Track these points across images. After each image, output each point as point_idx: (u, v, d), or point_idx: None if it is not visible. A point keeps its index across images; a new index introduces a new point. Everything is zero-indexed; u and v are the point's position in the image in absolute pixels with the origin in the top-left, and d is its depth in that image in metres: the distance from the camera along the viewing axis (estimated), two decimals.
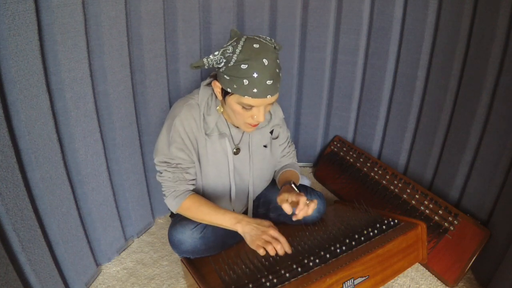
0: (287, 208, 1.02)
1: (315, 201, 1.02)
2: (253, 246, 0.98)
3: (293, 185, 1.12)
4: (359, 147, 1.88)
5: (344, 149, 1.91)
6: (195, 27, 1.50)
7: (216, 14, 1.58)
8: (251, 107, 0.99)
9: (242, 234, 1.02)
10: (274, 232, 0.98)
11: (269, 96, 0.98)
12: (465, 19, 1.32)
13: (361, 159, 1.80)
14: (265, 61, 0.94)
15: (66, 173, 1.12)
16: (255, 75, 0.94)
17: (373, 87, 1.78)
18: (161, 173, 1.13)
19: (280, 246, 0.95)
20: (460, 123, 1.40)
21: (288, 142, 1.32)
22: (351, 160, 1.84)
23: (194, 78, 1.58)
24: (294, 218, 1.00)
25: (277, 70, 0.98)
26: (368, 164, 1.75)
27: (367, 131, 1.87)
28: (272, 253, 0.95)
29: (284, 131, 1.29)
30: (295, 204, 1.01)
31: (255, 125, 1.06)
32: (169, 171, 1.10)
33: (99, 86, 1.20)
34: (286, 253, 1.04)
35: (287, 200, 1.02)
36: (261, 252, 0.95)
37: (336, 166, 1.90)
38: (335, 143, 1.97)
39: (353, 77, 1.83)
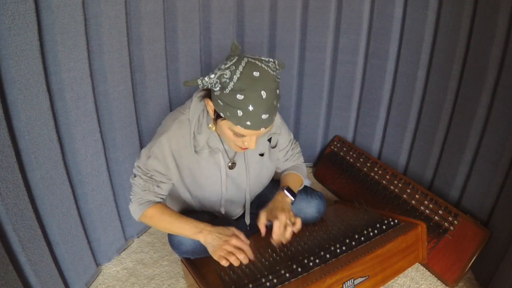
0: (262, 229, 1.02)
1: (298, 220, 1.02)
2: (215, 257, 0.95)
3: (286, 192, 1.12)
4: (359, 147, 1.88)
5: (344, 149, 1.91)
6: (195, 27, 1.51)
7: (216, 14, 1.58)
8: (242, 135, 0.96)
9: (204, 244, 1.00)
10: (236, 241, 0.95)
11: (263, 128, 0.93)
12: (465, 19, 1.32)
13: (361, 159, 1.80)
14: (263, 94, 0.88)
15: (66, 173, 1.12)
16: (250, 108, 0.88)
17: (373, 87, 1.78)
18: (135, 176, 1.10)
19: (243, 255, 0.93)
20: (460, 123, 1.40)
21: (291, 144, 1.28)
22: (351, 160, 1.84)
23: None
24: (272, 242, 1.00)
25: (275, 103, 0.92)
26: (368, 164, 1.75)
27: (367, 131, 1.87)
28: (235, 264, 0.93)
29: (285, 136, 1.24)
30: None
31: (245, 148, 1.02)
32: (142, 179, 1.08)
33: (99, 86, 1.20)
34: (286, 254, 1.05)
35: (264, 221, 1.02)
36: (224, 263, 0.93)
37: (336, 166, 1.90)
38: (335, 143, 1.97)
39: (353, 77, 1.83)
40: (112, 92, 1.23)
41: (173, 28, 1.43)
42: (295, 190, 1.18)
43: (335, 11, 1.74)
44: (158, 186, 1.09)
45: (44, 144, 1.01)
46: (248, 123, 0.90)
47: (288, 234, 1.01)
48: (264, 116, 0.91)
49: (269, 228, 1.03)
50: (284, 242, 1.02)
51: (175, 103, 1.52)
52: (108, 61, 1.18)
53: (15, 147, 0.92)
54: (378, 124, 1.81)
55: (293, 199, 1.12)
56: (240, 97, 0.88)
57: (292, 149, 1.29)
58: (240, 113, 0.89)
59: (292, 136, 1.29)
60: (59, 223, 1.10)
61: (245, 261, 0.93)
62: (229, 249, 0.94)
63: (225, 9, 1.61)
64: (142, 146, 1.43)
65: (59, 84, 1.05)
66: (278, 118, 1.22)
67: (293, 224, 1.03)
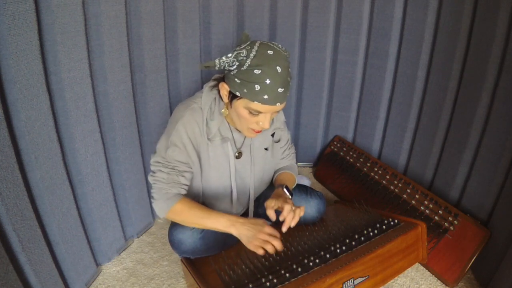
0: (271, 214, 1.03)
1: (302, 208, 1.03)
2: (251, 247, 0.98)
3: (285, 189, 1.12)
4: (359, 147, 1.88)
5: (344, 149, 1.91)
6: (195, 27, 1.51)
7: (216, 14, 1.58)
8: (258, 113, 0.98)
9: (237, 236, 1.02)
10: (270, 229, 0.99)
11: (279, 103, 0.97)
12: (465, 19, 1.32)
13: (361, 159, 1.80)
14: (279, 69, 0.93)
15: (66, 173, 1.12)
16: (267, 81, 0.92)
17: (373, 87, 1.78)
18: (155, 173, 1.08)
19: (278, 242, 0.96)
20: (460, 123, 1.40)
21: (288, 144, 1.32)
22: (351, 160, 1.84)
23: (194, 78, 1.58)
24: (282, 229, 1.00)
25: (288, 79, 0.97)
26: (368, 164, 1.75)
27: (367, 131, 1.87)
28: (271, 251, 0.95)
29: (285, 134, 1.29)
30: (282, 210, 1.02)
31: (258, 131, 1.05)
32: (164, 172, 1.07)
33: (99, 86, 1.20)
34: (286, 254, 1.05)
35: (273, 206, 1.03)
36: (261, 252, 0.96)
37: (336, 166, 1.90)
38: (335, 143, 1.97)
39: (353, 77, 1.83)
40: (112, 92, 1.23)
41: (173, 28, 1.43)
42: (291, 188, 1.20)
43: (335, 11, 1.74)
44: (182, 176, 1.09)
45: (44, 144, 1.01)
46: (265, 96, 0.94)
47: (296, 219, 1.02)
48: (280, 90, 0.95)
49: (275, 222, 1.05)
50: (292, 225, 1.02)
51: (175, 103, 1.52)
52: (108, 61, 1.18)
53: (15, 147, 0.92)
54: (378, 124, 1.81)
55: (290, 197, 1.13)
56: (257, 71, 0.93)
57: (289, 148, 1.33)
58: (257, 87, 0.93)
59: (289, 136, 1.33)
60: (59, 223, 1.10)
61: (279, 247, 0.96)
62: (264, 237, 0.97)
63: (225, 9, 1.61)
64: (142, 146, 1.44)
65: (59, 84, 1.05)
66: (282, 115, 1.26)
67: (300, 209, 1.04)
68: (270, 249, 0.95)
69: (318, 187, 1.92)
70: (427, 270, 1.36)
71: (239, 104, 0.99)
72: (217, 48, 1.64)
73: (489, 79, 1.25)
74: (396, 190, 1.58)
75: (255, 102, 0.95)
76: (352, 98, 1.88)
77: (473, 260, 1.26)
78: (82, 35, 1.06)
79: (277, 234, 0.98)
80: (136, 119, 1.37)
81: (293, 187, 1.28)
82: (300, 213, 1.02)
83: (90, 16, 1.10)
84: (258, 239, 0.97)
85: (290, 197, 1.12)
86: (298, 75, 1.91)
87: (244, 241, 1.00)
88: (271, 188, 1.30)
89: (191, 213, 1.06)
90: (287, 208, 1.01)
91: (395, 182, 1.60)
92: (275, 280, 0.93)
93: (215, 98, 1.09)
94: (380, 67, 1.71)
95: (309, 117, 1.99)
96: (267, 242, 0.96)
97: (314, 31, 1.79)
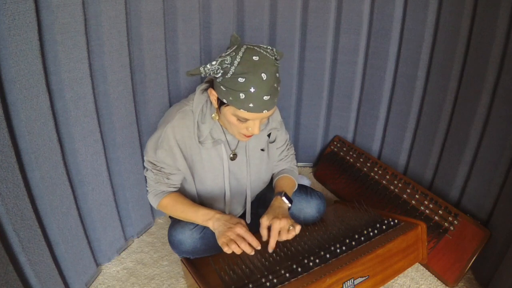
0: (263, 233, 1.02)
1: (298, 227, 1.01)
2: (219, 243, 0.97)
3: (284, 198, 1.12)
4: (359, 147, 1.88)
5: (344, 149, 1.91)
6: (195, 27, 1.51)
7: (216, 14, 1.58)
8: (246, 120, 0.98)
9: (213, 231, 1.03)
10: (240, 230, 0.96)
11: (265, 111, 0.96)
12: (465, 19, 1.32)
13: (361, 159, 1.80)
14: (264, 76, 0.91)
15: (66, 173, 1.12)
16: (252, 89, 0.91)
17: (373, 87, 1.78)
18: (147, 170, 1.15)
19: (244, 244, 0.94)
20: (460, 123, 1.40)
21: (287, 145, 1.30)
22: (351, 160, 1.84)
23: (194, 78, 1.58)
24: (269, 250, 1.00)
25: (275, 85, 0.95)
26: (368, 164, 1.75)
27: (367, 131, 1.87)
28: (237, 251, 0.94)
29: (283, 134, 1.27)
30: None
31: (249, 136, 1.05)
32: (153, 172, 1.12)
33: (99, 86, 1.20)
34: (286, 254, 1.05)
35: (266, 225, 1.02)
36: (226, 250, 0.94)
37: (336, 166, 1.90)
38: (335, 143, 1.97)
39: (353, 77, 1.83)
40: (112, 92, 1.23)
41: (173, 28, 1.43)
42: (290, 195, 1.19)
43: (335, 11, 1.74)
44: (168, 178, 1.13)
45: (44, 144, 1.01)
46: (251, 105, 0.93)
47: (290, 237, 1.01)
48: (265, 98, 0.93)
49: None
50: (284, 239, 1.02)
51: (175, 103, 1.52)
52: (108, 61, 1.18)
53: (15, 147, 0.92)
54: (378, 124, 1.81)
55: (290, 205, 1.12)
56: (241, 80, 0.91)
57: (288, 149, 1.31)
58: (242, 96, 0.92)
59: (288, 136, 1.31)
60: (59, 223, 1.10)
61: (247, 249, 0.94)
62: (231, 236, 0.95)
63: (225, 9, 1.61)
64: (142, 146, 1.44)
65: (59, 84, 1.05)
66: (278, 115, 1.24)
67: (294, 228, 1.03)
68: (236, 250, 0.93)
69: (318, 187, 1.92)
70: (427, 270, 1.36)
71: (227, 110, 0.98)
72: (217, 48, 1.64)
73: (489, 79, 1.25)
74: (396, 190, 1.58)
75: (241, 110, 0.94)
76: (352, 98, 1.88)
77: (473, 260, 1.26)
78: (82, 35, 1.06)
79: (249, 237, 0.96)
80: (136, 119, 1.37)
81: (294, 191, 1.26)
82: (292, 232, 1.00)
83: (90, 16, 1.10)
84: (226, 236, 0.96)
85: (289, 205, 1.12)
86: (298, 75, 1.91)
87: (216, 236, 1.00)
88: (270, 188, 1.30)
89: (175, 207, 1.12)
90: (274, 227, 1.00)
91: (395, 182, 1.60)
92: (275, 280, 0.93)
93: (206, 101, 1.09)
94: (380, 67, 1.71)
95: (309, 117, 1.99)
96: (233, 241, 0.94)
97: (314, 31, 1.78)
